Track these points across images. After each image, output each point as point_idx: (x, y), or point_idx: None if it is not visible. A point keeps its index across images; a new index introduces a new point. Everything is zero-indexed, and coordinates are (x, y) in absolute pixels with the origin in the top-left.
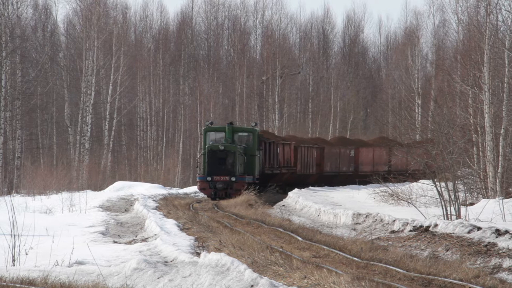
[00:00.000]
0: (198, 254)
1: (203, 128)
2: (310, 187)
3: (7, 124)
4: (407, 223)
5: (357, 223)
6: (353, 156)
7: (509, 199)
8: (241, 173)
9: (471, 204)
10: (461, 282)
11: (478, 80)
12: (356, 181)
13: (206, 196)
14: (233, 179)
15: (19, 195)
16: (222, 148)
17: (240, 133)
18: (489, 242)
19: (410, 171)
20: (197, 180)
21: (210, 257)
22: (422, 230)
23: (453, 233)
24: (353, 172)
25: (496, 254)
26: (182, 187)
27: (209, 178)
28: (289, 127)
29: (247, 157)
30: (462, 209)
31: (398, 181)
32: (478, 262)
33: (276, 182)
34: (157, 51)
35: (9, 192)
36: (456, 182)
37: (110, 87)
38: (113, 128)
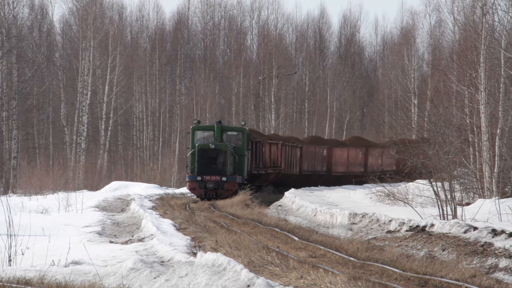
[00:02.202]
0: (195, 254)
1: (190, 126)
2: (306, 188)
3: (3, 124)
4: (404, 223)
5: (353, 223)
6: (326, 156)
7: (505, 199)
8: (231, 173)
9: (467, 204)
10: (457, 282)
11: (474, 80)
12: (353, 181)
13: (195, 196)
14: (224, 179)
15: (15, 195)
16: (213, 147)
17: (229, 132)
18: (485, 242)
19: (405, 172)
20: (187, 179)
21: (207, 257)
22: (419, 230)
23: (450, 233)
24: (326, 172)
25: (492, 254)
26: (178, 187)
27: (199, 178)
28: (285, 127)
29: (237, 157)
30: (459, 209)
31: (394, 181)
32: (474, 262)
33: (262, 183)
34: (153, 51)
35: (5, 192)
36: (453, 182)
37: (106, 87)
38: (110, 128)
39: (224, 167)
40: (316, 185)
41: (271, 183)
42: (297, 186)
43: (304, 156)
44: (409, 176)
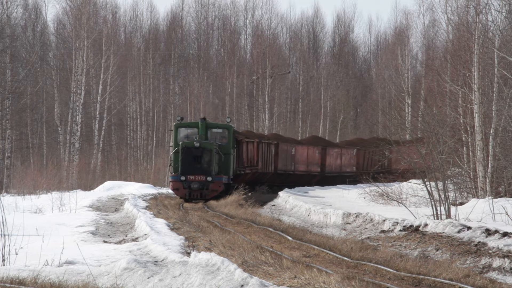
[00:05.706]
0: (188, 254)
1: (173, 123)
2: (300, 188)
3: None
4: (397, 223)
5: (347, 223)
6: (294, 154)
7: (499, 199)
8: (216, 172)
9: (461, 203)
10: (451, 282)
11: (467, 80)
12: (353, 180)
13: (179, 196)
14: (210, 179)
15: (9, 195)
16: (198, 145)
17: (214, 130)
18: (479, 242)
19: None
20: (170, 179)
21: (200, 257)
22: (412, 230)
23: (443, 232)
24: (293, 171)
25: (486, 253)
26: None
27: (183, 178)
28: (279, 127)
29: (223, 156)
30: (452, 208)
31: (388, 180)
32: (468, 261)
33: (239, 183)
34: (147, 51)
35: None
36: (446, 181)
37: (100, 87)
38: (103, 127)
39: (210, 167)
40: (288, 185)
41: (249, 183)
42: (272, 185)
43: (280, 154)
44: (403, 175)
